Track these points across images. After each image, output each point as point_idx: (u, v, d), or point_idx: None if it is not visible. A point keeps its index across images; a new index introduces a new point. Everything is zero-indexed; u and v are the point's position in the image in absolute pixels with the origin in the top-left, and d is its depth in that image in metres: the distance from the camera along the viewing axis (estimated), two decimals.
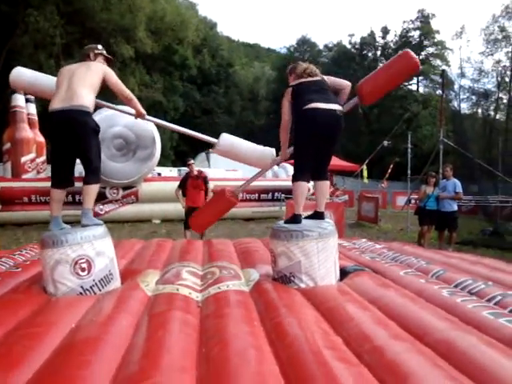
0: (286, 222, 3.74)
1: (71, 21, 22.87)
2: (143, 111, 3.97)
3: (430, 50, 42.41)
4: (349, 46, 44.56)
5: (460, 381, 1.91)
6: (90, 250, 3.26)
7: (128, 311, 2.84)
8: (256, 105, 47.30)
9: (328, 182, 4.03)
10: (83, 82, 3.53)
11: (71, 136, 3.46)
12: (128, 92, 3.83)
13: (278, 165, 4.20)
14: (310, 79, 3.79)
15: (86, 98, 3.48)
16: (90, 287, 3.25)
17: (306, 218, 3.94)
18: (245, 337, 2.35)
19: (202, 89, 43.15)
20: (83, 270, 3.21)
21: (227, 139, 4.29)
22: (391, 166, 15.42)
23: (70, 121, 3.41)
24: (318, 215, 3.87)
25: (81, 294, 3.21)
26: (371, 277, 3.65)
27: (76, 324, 2.64)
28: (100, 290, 3.28)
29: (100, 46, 4.03)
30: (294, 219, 3.67)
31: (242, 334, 2.39)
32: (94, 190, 3.63)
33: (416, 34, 41.56)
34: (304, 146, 3.69)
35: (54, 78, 3.83)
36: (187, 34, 30.69)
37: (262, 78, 49.69)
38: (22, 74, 4.11)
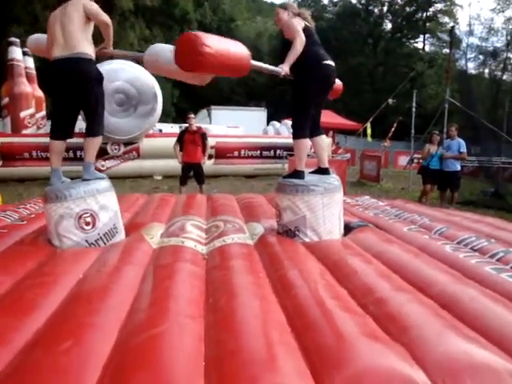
0: (285, 177, 3.73)
1: None
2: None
3: (439, 6, 41.09)
4: (354, 1, 43.17)
5: (460, 330, 1.95)
6: (94, 204, 3.26)
7: (134, 262, 2.88)
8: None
9: (325, 137, 4.01)
10: (77, 24, 3.34)
11: (74, 85, 3.37)
12: (107, 18, 3.48)
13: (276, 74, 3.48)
14: (312, 27, 3.73)
15: (85, 44, 3.37)
16: (95, 241, 3.27)
17: (311, 173, 3.93)
18: (251, 287, 2.39)
19: None
20: (87, 223, 3.23)
21: (153, 48, 3.63)
22: (394, 125, 15.30)
23: (72, 70, 3.31)
24: (322, 171, 3.85)
25: (86, 247, 3.24)
26: (375, 232, 3.68)
27: (83, 274, 2.68)
28: (105, 244, 3.31)
29: None
30: (298, 175, 3.64)
31: (248, 284, 2.43)
32: (96, 142, 3.60)
33: None
34: (310, 101, 3.64)
35: None
36: None
37: (264, 33, 48.43)
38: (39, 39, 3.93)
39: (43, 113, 13.93)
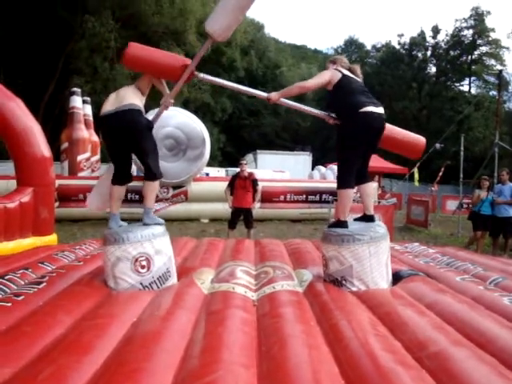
0: (330, 227, 3.69)
1: (125, 25, 23.56)
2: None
3: (484, 49, 40.82)
4: (398, 47, 43.52)
5: None
6: (150, 248, 3.38)
7: (186, 308, 2.93)
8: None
9: (372, 184, 4.00)
10: (129, 89, 3.78)
11: (126, 136, 3.56)
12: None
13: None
14: (358, 79, 3.81)
15: (134, 98, 3.62)
16: (149, 284, 3.37)
17: (356, 219, 3.92)
18: (303, 336, 2.38)
19: None
20: (143, 267, 3.34)
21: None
22: (442, 169, 15.03)
23: (122, 121, 3.51)
24: (367, 218, 3.83)
25: (140, 290, 3.33)
26: (426, 282, 3.58)
27: (137, 317, 2.75)
28: (158, 287, 3.39)
29: None
30: (341, 225, 3.60)
31: (299, 333, 2.41)
32: (154, 186, 3.76)
33: (469, 32, 40.11)
34: (353, 151, 3.60)
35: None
36: (235, 37, 30.91)
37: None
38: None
39: (98, 157, 14.63)
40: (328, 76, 3.70)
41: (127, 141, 3.60)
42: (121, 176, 3.83)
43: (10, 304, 2.86)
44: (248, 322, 2.69)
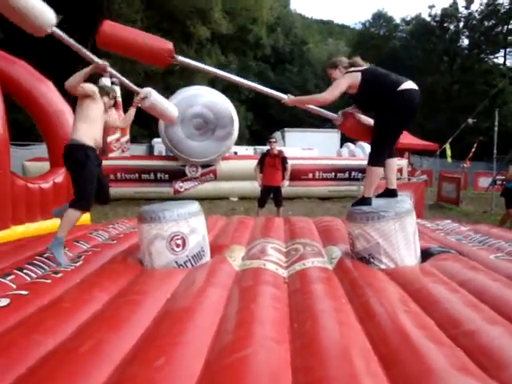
0: (354, 205, 3.69)
1: (150, 5, 23.54)
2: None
3: None
4: (428, 19, 42.03)
5: None
6: (185, 227, 3.44)
7: (219, 284, 2.98)
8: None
9: (396, 159, 3.97)
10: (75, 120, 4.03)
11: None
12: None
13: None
14: (371, 66, 3.78)
15: (74, 131, 3.94)
16: (184, 262, 3.44)
17: (378, 196, 3.89)
18: (334, 313, 2.39)
19: (275, 68, 42.97)
20: (178, 246, 3.41)
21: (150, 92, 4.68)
22: (475, 145, 14.64)
23: (64, 157, 3.93)
24: (390, 193, 3.82)
25: (174, 268, 3.41)
26: (458, 259, 3.53)
27: (172, 294, 2.82)
28: (192, 266, 3.47)
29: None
30: (365, 202, 3.61)
31: (331, 310, 2.43)
32: (74, 216, 3.79)
33: (506, 1, 38.36)
34: (393, 130, 3.64)
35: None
36: (261, 14, 30.53)
37: (336, 55, 48.55)
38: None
39: (127, 137, 14.78)
40: (346, 83, 3.66)
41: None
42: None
43: (49, 281, 2.98)
44: (279, 298, 2.72)
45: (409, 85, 3.54)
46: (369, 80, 3.62)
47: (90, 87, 3.92)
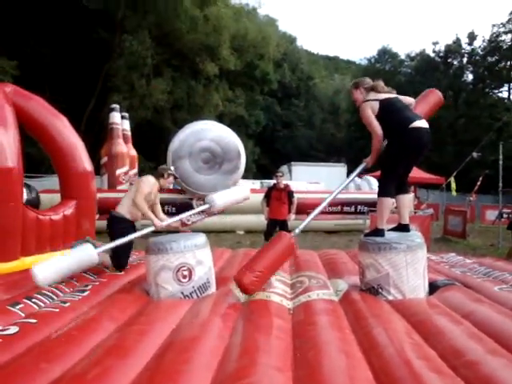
0: (366, 235, 3.76)
1: (161, 43, 24.27)
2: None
3: None
4: (432, 55, 42.72)
5: None
6: (192, 259, 3.51)
7: (223, 315, 3.02)
8: (336, 117, 46.94)
9: (409, 195, 4.04)
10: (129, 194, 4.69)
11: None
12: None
13: (361, 174, 4.12)
14: (392, 96, 3.88)
15: (121, 206, 4.66)
16: (190, 293, 3.50)
17: (390, 230, 3.94)
18: (338, 343, 2.42)
19: (282, 102, 43.66)
20: (184, 277, 3.47)
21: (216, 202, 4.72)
22: (480, 178, 14.67)
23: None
24: (402, 228, 3.86)
25: (180, 299, 3.45)
26: (463, 291, 3.55)
27: (177, 324, 2.86)
28: (198, 297, 3.51)
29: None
30: (378, 233, 3.68)
31: (334, 340, 2.47)
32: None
33: (507, 37, 39.00)
34: (400, 163, 3.76)
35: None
36: (268, 50, 31.29)
37: (342, 90, 49.17)
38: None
39: (135, 170, 15.01)
40: (369, 110, 3.79)
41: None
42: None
43: (57, 310, 3.03)
44: (283, 328, 2.76)
45: (420, 123, 3.68)
46: (386, 111, 3.76)
47: (147, 192, 4.53)
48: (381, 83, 3.96)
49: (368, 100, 3.84)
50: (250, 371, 2.07)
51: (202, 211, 4.79)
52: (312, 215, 4.20)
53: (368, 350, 2.40)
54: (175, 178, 4.93)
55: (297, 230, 4.12)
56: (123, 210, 4.64)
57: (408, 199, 3.99)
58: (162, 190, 4.77)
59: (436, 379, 2.00)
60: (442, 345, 2.43)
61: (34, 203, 6.05)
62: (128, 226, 4.57)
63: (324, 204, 4.31)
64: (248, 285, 3.33)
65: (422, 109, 4.20)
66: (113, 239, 4.36)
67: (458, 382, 2.02)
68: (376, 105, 3.78)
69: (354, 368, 2.15)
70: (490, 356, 2.23)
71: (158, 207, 4.79)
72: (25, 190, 5.87)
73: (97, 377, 2.04)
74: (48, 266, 3.73)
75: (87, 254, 3.90)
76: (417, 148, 3.71)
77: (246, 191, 5.20)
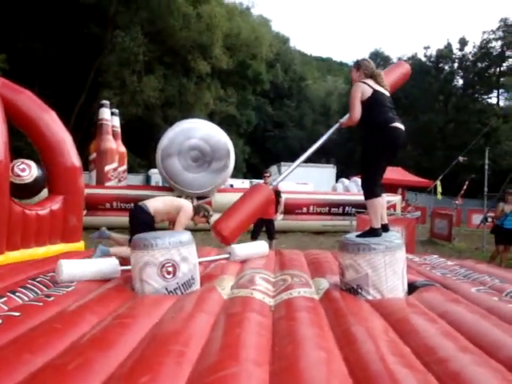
0: (361, 236, 3.79)
1: (153, 39, 24.27)
2: None
3: None
4: (424, 59, 43.17)
5: None
6: (176, 255, 3.55)
7: (206, 311, 3.07)
8: (328, 119, 47.09)
9: (385, 195, 4.08)
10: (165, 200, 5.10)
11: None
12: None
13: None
14: (385, 92, 3.92)
15: (152, 202, 4.88)
16: (174, 289, 3.54)
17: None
18: (315, 339, 2.49)
19: (274, 103, 43.82)
20: (169, 273, 3.51)
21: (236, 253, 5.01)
22: (466, 182, 14.87)
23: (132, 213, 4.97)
24: (382, 228, 3.85)
25: (165, 295, 3.50)
26: (441, 292, 3.64)
27: (159, 319, 2.91)
28: (182, 293, 3.56)
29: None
30: (374, 233, 3.73)
31: (312, 336, 2.53)
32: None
33: (497, 44, 39.50)
34: (379, 163, 3.83)
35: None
36: (261, 50, 31.36)
37: (334, 92, 49.49)
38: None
39: (125, 167, 15.01)
40: (359, 92, 3.81)
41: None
42: None
43: (41, 304, 3.07)
44: (264, 325, 2.81)
45: (399, 125, 3.79)
46: (374, 103, 3.79)
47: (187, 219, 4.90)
48: (382, 74, 4.01)
49: (364, 82, 3.86)
50: (229, 364, 2.12)
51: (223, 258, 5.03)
52: (292, 167, 4.94)
53: (345, 346, 2.47)
54: (207, 221, 5.20)
55: (274, 183, 4.38)
56: (152, 207, 4.81)
57: (384, 200, 4.01)
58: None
59: (408, 374, 2.07)
60: (416, 342, 2.50)
61: (44, 179, 6.08)
62: (152, 222, 4.76)
63: (302, 158, 5.03)
64: (227, 234, 3.47)
65: (390, 78, 4.27)
66: (135, 229, 4.38)
67: (429, 378, 2.09)
68: (368, 92, 3.80)
69: (329, 362, 2.21)
70: (460, 353, 2.30)
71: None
72: (35, 165, 5.88)
73: (78, 367, 2.08)
74: (74, 265, 3.87)
75: (113, 267, 4.03)
76: (393, 147, 3.80)
77: (266, 248, 5.45)
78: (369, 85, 3.84)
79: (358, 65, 4.04)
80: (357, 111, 3.79)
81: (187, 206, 4.92)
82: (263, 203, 3.97)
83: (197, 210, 5.04)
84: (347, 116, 4.11)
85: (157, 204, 4.86)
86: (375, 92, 3.82)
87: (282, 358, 2.27)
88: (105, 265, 4.03)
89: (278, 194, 7.86)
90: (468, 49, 41.34)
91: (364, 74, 3.95)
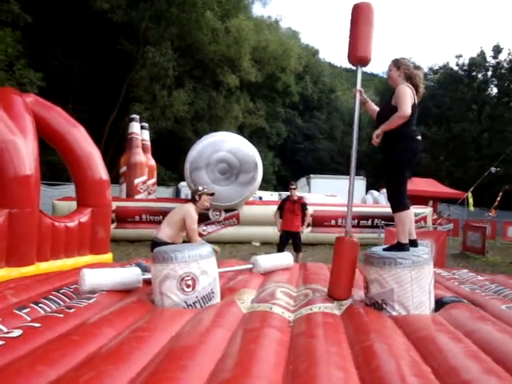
0: (387, 250, 3.70)
1: (183, 54, 24.70)
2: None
3: None
4: (456, 68, 42.31)
5: None
6: (196, 269, 3.55)
7: (224, 325, 3.05)
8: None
9: (412, 209, 3.96)
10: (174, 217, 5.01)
11: None
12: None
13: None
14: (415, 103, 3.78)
15: (163, 229, 4.96)
16: (193, 303, 3.53)
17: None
18: (332, 357, 2.42)
19: (304, 115, 43.77)
20: (188, 286, 3.51)
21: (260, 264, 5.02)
22: (500, 193, 14.43)
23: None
24: (411, 243, 3.76)
25: (184, 308, 3.49)
26: (468, 309, 3.50)
27: (176, 333, 2.90)
28: (201, 307, 3.55)
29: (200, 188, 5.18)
30: (401, 248, 3.63)
31: (329, 354, 2.46)
32: None
33: None
34: (406, 172, 3.81)
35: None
36: (289, 62, 31.33)
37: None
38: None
39: (154, 180, 15.19)
40: (410, 95, 3.67)
41: None
42: None
43: (62, 315, 3.10)
44: (281, 341, 2.77)
45: (419, 137, 3.79)
46: (410, 115, 3.65)
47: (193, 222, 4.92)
48: (420, 74, 3.89)
49: (411, 89, 3.72)
50: (242, 381, 2.08)
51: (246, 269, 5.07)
52: None
53: (362, 364, 2.40)
54: (211, 194, 5.14)
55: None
56: (163, 235, 4.92)
57: (412, 214, 3.89)
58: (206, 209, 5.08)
59: None
60: (438, 362, 2.41)
61: None
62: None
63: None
64: (344, 297, 3.67)
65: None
66: None
67: None
68: (413, 98, 3.72)
69: (346, 382, 2.14)
70: (485, 375, 2.20)
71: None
72: None
73: (89, 381, 2.08)
74: (97, 274, 3.91)
75: (135, 276, 4.07)
76: (415, 159, 3.80)
77: (290, 260, 5.48)
78: (413, 94, 3.74)
79: (398, 63, 3.90)
80: (408, 110, 3.59)
81: (185, 210, 4.93)
82: (352, 257, 3.81)
83: (193, 198, 5.05)
84: (391, 119, 3.73)
85: (165, 230, 4.96)
86: (414, 106, 3.72)
87: (295, 377, 2.21)
88: (127, 274, 4.06)
89: (304, 206, 7.79)
90: (502, 56, 40.29)
91: (404, 73, 3.84)
